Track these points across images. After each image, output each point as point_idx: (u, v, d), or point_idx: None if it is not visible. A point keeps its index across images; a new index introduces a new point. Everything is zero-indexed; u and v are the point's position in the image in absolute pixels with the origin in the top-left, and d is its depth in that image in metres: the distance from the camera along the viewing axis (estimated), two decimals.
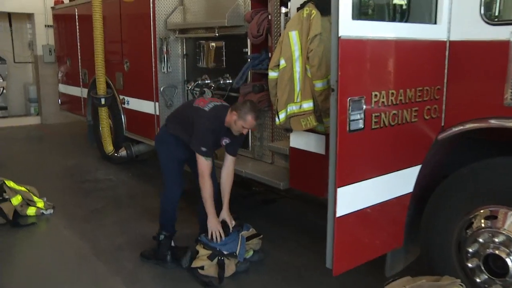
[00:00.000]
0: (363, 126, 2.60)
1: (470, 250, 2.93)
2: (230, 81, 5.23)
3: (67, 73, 8.60)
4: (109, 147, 6.80)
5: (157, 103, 5.98)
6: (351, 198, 2.64)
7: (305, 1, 3.59)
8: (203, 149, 3.80)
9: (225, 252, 3.81)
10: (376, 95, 2.64)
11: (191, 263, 3.86)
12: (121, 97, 6.74)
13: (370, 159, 2.75)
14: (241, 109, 3.79)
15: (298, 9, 3.65)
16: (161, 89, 5.91)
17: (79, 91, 8.06)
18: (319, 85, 3.58)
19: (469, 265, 2.94)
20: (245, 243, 3.94)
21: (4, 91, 10.72)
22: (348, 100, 2.50)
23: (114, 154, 6.87)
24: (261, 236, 4.17)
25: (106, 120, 6.67)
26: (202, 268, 3.81)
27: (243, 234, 3.98)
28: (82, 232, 4.67)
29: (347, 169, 2.59)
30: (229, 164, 4.14)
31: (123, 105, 6.73)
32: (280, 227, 4.84)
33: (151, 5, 5.78)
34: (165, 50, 5.81)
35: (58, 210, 5.22)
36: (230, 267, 3.82)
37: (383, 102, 2.69)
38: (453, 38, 2.93)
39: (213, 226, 3.90)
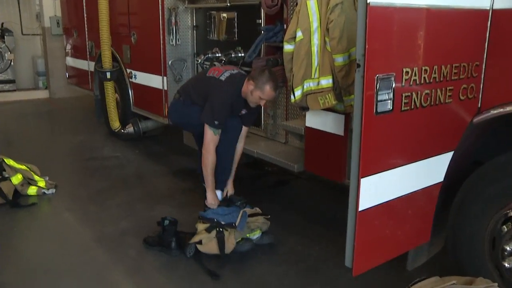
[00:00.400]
0: (391, 108, 2.26)
1: (508, 248, 2.62)
2: (242, 54, 4.90)
3: (74, 45, 8.30)
4: (115, 124, 6.53)
5: (165, 78, 5.67)
6: (375, 190, 2.32)
7: None
8: (216, 122, 3.59)
9: (223, 223, 3.58)
10: (407, 72, 2.29)
11: (195, 252, 3.61)
12: (128, 70, 6.44)
13: (399, 145, 2.41)
14: (258, 78, 3.51)
15: None
16: (169, 62, 5.59)
17: (86, 65, 7.77)
18: (339, 59, 3.23)
19: (506, 264, 2.63)
20: (246, 217, 3.64)
21: (12, 63, 10.46)
22: (376, 77, 2.15)
23: (121, 130, 6.61)
24: (268, 216, 3.86)
25: (112, 95, 6.37)
26: (200, 243, 3.57)
27: (245, 210, 3.70)
28: (85, 214, 4.43)
29: (372, 156, 2.26)
30: (242, 135, 4.04)
31: (130, 80, 6.43)
32: (293, 212, 4.55)
33: None
34: (173, 21, 5.46)
35: (61, 189, 4.99)
36: (230, 241, 3.55)
37: (415, 80, 2.34)
38: (498, 6, 2.54)
39: (212, 201, 3.85)
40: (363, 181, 2.23)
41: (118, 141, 6.87)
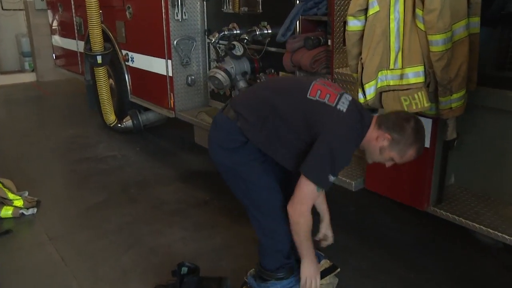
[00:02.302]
0: None
1: None
2: (269, 31, 3.86)
3: (60, 22, 7.17)
4: (110, 117, 5.47)
5: (169, 61, 4.62)
6: None
7: None
8: (332, 178, 2.17)
9: None
10: None
11: None
12: (123, 52, 5.36)
13: None
14: (401, 133, 2.12)
15: None
16: (175, 42, 4.54)
17: (74, 44, 6.67)
18: (439, 42, 2.19)
19: None
20: None
21: None
22: None
23: (117, 124, 5.55)
24: (338, 270, 2.77)
25: (105, 84, 5.28)
26: None
27: None
28: (74, 246, 3.41)
29: None
30: None
31: (126, 63, 5.36)
32: (347, 234, 3.47)
33: None
34: None
35: (44, 207, 3.96)
36: None
37: None
38: None
39: (311, 274, 2.43)
40: None
41: (115, 134, 5.84)
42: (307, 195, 2.19)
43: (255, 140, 2.26)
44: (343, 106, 2.15)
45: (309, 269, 2.40)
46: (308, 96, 2.19)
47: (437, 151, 2.58)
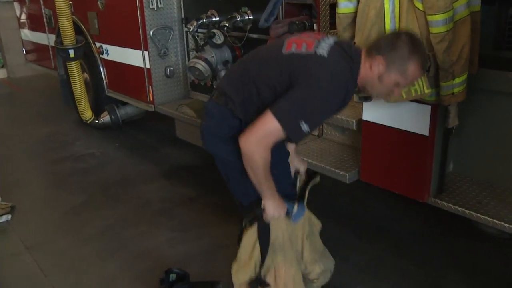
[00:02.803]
0: None
1: None
2: (251, 17, 3.66)
3: (29, 15, 6.82)
4: (86, 113, 5.20)
5: (146, 53, 4.38)
6: None
7: None
8: (304, 127, 1.85)
9: None
10: None
11: None
12: (97, 45, 5.09)
13: None
14: (393, 50, 1.86)
15: None
16: (151, 32, 4.29)
17: (45, 38, 6.35)
18: (438, 23, 2.02)
19: None
20: (304, 207, 2.27)
21: None
22: None
23: (95, 121, 5.30)
24: (318, 176, 2.46)
25: (79, 79, 5.00)
26: None
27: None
28: (53, 254, 3.22)
29: None
30: None
31: (101, 56, 5.09)
32: (342, 226, 3.36)
33: None
34: None
35: (19, 213, 3.74)
36: None
37: None
38: None
39: (274, 211, 2.10)
40: None
41: (93, 131, 5.61)
42: (267, 130, 1.86)
43: (243, 116, 2.02)
44: (323, 50, 1.89)
45: (271, 206, 2.10)
46: (283, 52, 1.95)
47: (437, 138, 2.43)
